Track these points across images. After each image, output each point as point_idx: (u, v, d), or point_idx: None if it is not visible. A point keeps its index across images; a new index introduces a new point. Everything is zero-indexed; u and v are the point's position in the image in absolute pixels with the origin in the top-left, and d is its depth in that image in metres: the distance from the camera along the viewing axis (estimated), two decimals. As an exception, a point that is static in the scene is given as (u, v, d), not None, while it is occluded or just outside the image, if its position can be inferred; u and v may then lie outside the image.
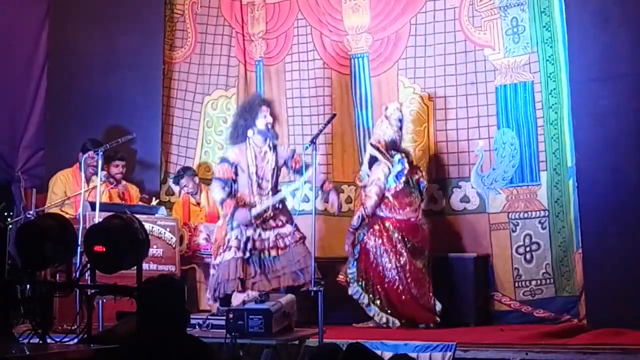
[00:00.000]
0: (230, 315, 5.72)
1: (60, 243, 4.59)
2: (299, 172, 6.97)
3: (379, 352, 5.17)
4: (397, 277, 6.93)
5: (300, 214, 7.09)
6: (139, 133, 7.51)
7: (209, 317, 6.38)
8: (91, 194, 7.04)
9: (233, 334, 5.65)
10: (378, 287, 6.98)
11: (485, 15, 7.79)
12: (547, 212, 7.28)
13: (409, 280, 6.91)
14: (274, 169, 6.94)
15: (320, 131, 6.72)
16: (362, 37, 8.35)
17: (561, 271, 7.14)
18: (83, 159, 6.99)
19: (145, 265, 5.15)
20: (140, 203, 7.61)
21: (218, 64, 8.78)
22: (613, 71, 6.19)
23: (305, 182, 6.89)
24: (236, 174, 6.87)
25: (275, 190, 6.96)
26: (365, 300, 7.00)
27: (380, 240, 7.03)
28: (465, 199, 7.70)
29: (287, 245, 6.85)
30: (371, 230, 7.10)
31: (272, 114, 7.01)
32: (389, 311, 6.92)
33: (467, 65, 7.79)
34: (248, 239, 6.82)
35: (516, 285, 7.33)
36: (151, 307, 3.87)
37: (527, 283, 7.30)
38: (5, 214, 7.29)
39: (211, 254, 7.49)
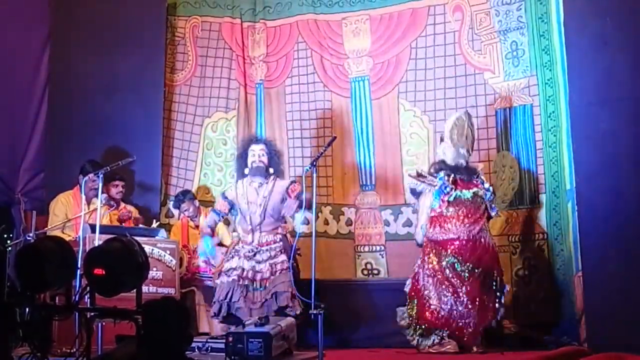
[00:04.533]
0: (230, 339, 5.71)
1: (60, 266, 4.58)
2: (298, 198, 7.09)
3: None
4: (440, 306, 6.63)
5: (299, 236, 7.09)
6: (139, 155, 7.51)
7: (209, 340, 6.39)
8: (92, 216, 7.05)
9: (233, 357, 5.64)
10: (425, 320, 6.68)
11: (485, 39, 7.84)
12: (546, 235, 7.28)
13: (453, 306, 6.60)
14: (262, 204, 7.13)
15: (321, 154, 6.73)
16: (363, 61, 8.40)
17: (560, 294, 7.12)
18: (84, 182, 6.99)
19: (144, 288, 5.16)
20: (141, 225, 7.62)
21: (218, 87, 8.80)
22: (612, 94, 6.19)
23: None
24: (231, 209, 7.35)
25: (269, 222, 7.15)
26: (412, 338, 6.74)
27: (427, 267, 6.74)
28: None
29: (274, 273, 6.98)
30: (423, 257, 6.83)
31: (270, 151, 7.28)
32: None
33: (467, 89, 7.82)
34: (243, 270, 7.01)
35: (516, 308, 7.31)
36: (152, 330, 3.87)
37: (527, 306, 7.28)
38: (5, 236, 7.28)
39: (211, 277, 7.55)
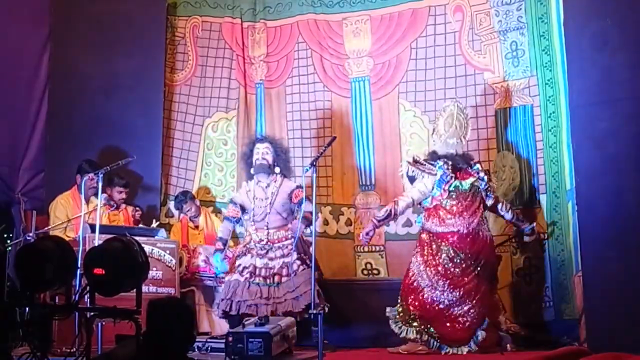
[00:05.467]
0: (230, 338, 5.71)
1: (60, 265, 4.59)
2: (299, 205, 7.13)
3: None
4: (433, 296, 6.61)
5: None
6: (139, 155, 7.52)
7: (209, 340, 6.39)
8: (92, 215, 7.04)
9: (233, 357, 5.64)
10: (413, 306, 6.67)
11: (485, 39, 7.84)
12: (546, 235, 7.28)
13: (450, 298, 6.59)
14: (270, 200, 7.24)
15: (321, 154, 6.74)
16: (363, 61, 8.39)
17: (560, 294, 7.12)
18: (83, 182, 6.98)
19: (144, 288, 5.17)
20: (141, 225, 7.62)
21: (219, 87, 8.80)
22: (612, 94, 6.19)
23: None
24: (243, 212, 7.41)
25: (278, 219, 7.24)
26: (397, 328, 6.69)
27: (422, 259, 6.73)
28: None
29: (289, 274, 6.95)
30: (418, 248, 6.82)
31: (275, 150, 7.36)
32: (427, 330, 6.63)
33: (467, 89, 7.82)
34: (255, 267, 7.09)
35: (516, 308, 7.30)
36: (156, 329, 3.87)
37: (527, 306, 7.28)
38: (5, 236, 7.29)
39: (211, 276, 7.57)
